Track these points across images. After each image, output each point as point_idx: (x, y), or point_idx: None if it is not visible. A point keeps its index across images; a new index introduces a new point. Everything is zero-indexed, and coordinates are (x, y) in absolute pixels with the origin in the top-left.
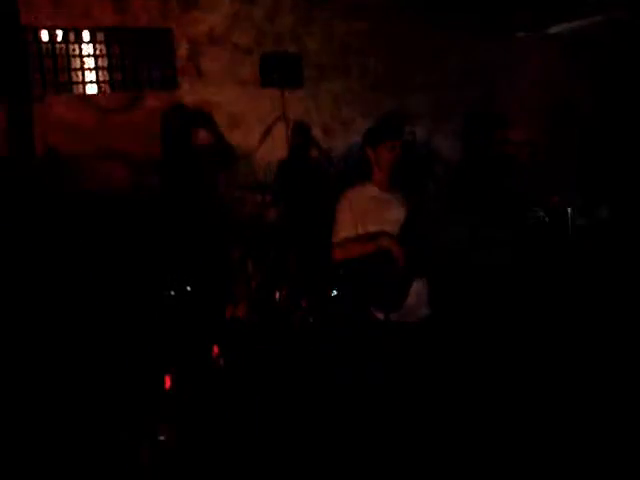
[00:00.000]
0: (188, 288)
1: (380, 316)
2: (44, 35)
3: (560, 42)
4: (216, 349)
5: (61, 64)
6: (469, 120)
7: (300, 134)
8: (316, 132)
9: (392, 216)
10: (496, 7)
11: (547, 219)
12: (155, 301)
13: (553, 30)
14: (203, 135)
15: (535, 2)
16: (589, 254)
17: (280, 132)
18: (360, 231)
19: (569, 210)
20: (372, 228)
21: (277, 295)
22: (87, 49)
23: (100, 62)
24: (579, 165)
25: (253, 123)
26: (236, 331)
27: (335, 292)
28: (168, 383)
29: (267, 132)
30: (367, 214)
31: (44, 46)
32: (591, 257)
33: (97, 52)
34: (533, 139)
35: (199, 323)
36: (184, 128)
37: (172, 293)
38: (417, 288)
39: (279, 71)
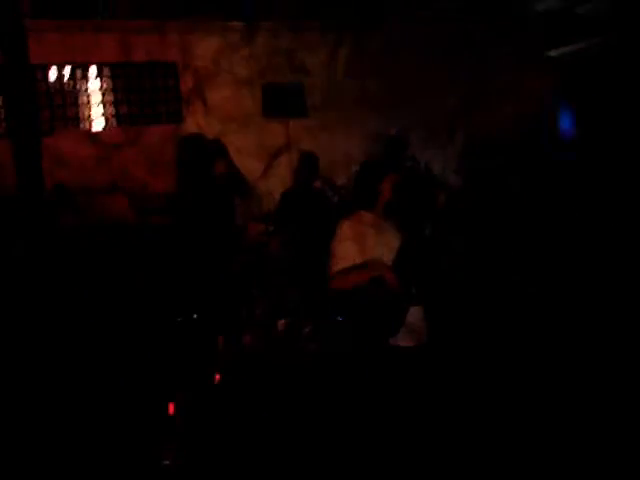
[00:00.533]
0: (195, 316)
1: (378, 341)
2: (53, 72)
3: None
4: (218, 376)
5: (69, 100)
6: (472, 147)
7: (306, 163)
8: (320, 161)
9: (389, 243)
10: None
11: None
12: (162, 328)
13: (553, 53)
14: (220, 165)
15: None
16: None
17: (284, 161)
18: (357, 260)
19: None
20: (368, 255)
21: (281, 323)
22: (94, 84)
23: (106, 97)
24: None
25: (258, 152)
26: (241, 358)
27: (339, 319)
28: (172, 409)
29: (271, 162)
30: (364, 242)
31: (53, 83)
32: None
33: (103, 87)
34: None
35: (205, 350)
36: (202, 157)
37: (179, 320)
38: (414, 314)
39: (281, 101)
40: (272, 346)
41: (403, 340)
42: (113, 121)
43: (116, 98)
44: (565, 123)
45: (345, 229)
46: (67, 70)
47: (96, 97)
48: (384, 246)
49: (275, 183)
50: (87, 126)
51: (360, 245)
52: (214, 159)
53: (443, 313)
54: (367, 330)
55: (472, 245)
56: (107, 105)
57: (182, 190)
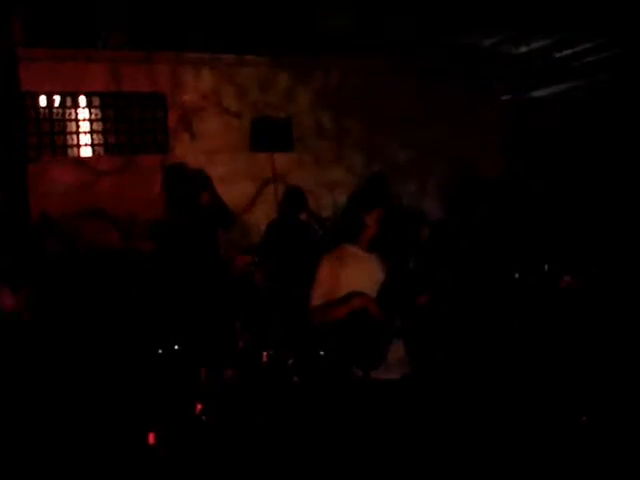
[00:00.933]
0: (176, 347)
1: (359, 373)
2: (42, 100)
3: (543, 105)
4: (199, 406)
5: (57, 128)
6: (456, 182)
7: (292, 198)
8: (305, 194)
9: (372, 276)
10: (482, 74)
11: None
12: (143, 358)
13: (537, 94)
14: (204, 195)
15: (520, 68)
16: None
17: (270, 193)
18: (337, 294)
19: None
20: (349, 288)
21: (264, 355)
22: (83, 113)
23: (95, 126)
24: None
25: (244, 185)
26: (223, 390)
27: (321, 352)
28: (152, 439)
29: (257, 194)
30: (347, 276)
31: (42, 110)
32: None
33: (92, 116)
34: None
35: (185, 381)
36: (187, 186)
37: (160, 351)
38: (396, 347)
39: (269, 135)
40: (255, 378)
41: (385, 373)
42: (101, 150)
43: (105, 127)
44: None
45: (326, 264)
46: (57, 98)
47: (85, 126)
48: (368, 279)
49: (261, 215)
50: (75, 154)
51: (340, 279)
52: (199, 189)
53: (427, 345)
54: (349, 363)
55: (457, 277)
56: (95, 134)
57: (168, 218)
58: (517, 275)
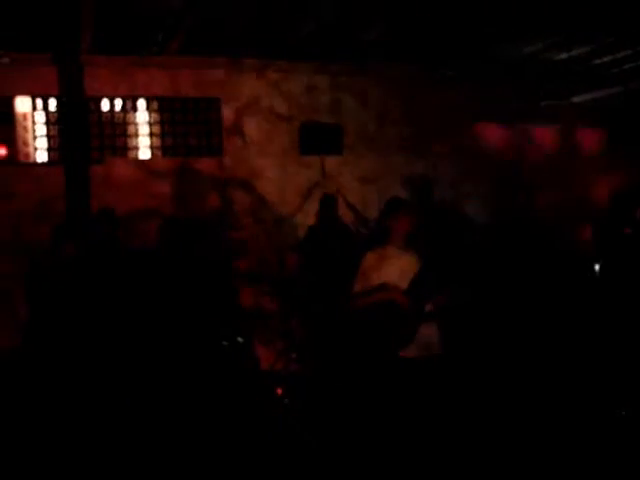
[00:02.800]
0: (240, 339)
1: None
2: (104, 104)
3: (582, 110)
4: (280, 390)
5: (118, 130)
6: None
7: (325, 205)
8: (353, 197)
9: (405, 270)
10: (525, 80)
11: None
12: (211, 350)
13: (576, 99)
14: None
15: (561, 75)
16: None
17: (319, 195)
18: (376, 282)
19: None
20: (386, 280)
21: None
22: (142, 117)
23: (153, 129)
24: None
25: (294, 187)
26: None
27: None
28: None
29: (307, 196)
30: (382, 270)
31: (104, 114)
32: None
33: (151, 120)
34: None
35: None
36: None
37: (225, 343)
38: (427, 330)
39: (318, 140)
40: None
41: (415, 352)
42: (158, 152)
43: (162, 130)
44: None
45: (368, 258)
46: (118, 102)
47: (144, 129)
48: (400, 274)
49: (310, 216)
50: (134, 156)
51: (379, 272)
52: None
53: (457, 329)
54: (380, 342)
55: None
56: (154, 136)
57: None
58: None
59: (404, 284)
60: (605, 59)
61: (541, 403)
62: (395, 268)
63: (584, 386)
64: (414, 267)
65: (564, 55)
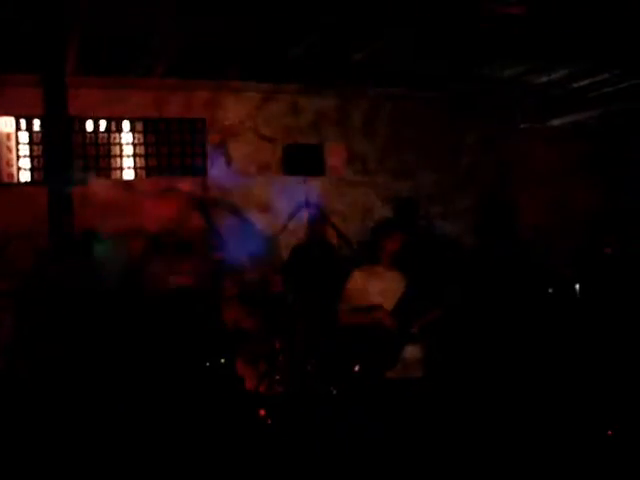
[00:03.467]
0: (222, 360)
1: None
2: (89, 125)
3: (562, 132)
4: (263, 411)
5: (102, 151)
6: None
7: (318, 220)
8: (336, 217)
9: (392, 291)
10: (506, 102)
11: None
12: (194, 370)
13: (556, 122)
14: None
15: (539, 97)
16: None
17: (303, 217)
18: (361, 303)
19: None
20: (371, 300)
21: (307, 368)
22: (126, 138)
23: (137, 150)
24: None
25: (278, 208)
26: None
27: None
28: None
29: (290, 216)
30: (369, 290)
31: (88, 135)
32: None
33: (135, 140)
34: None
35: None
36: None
37: (207, 364)
38: (412, 351)
39: (302, 161)
40: (295, 389)
41: (401, 373)
42: (142, 173)
43: (146, 151)
44: None
45: (355, 277)
46: (102, 123)
47: (128, 149)
48: (387, 294)
49: (294, 237)
50: (118, 176)
51: (366, 291)
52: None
53: (441, 350)
54: (365, 363)
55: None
56: (138, 157)
57: None
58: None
59: (391, 304)
60: (584, 82)
61: (526, 426)
62: (382, 288)
63: (569, 407)
64: (401, 287)
65: (544, 78)
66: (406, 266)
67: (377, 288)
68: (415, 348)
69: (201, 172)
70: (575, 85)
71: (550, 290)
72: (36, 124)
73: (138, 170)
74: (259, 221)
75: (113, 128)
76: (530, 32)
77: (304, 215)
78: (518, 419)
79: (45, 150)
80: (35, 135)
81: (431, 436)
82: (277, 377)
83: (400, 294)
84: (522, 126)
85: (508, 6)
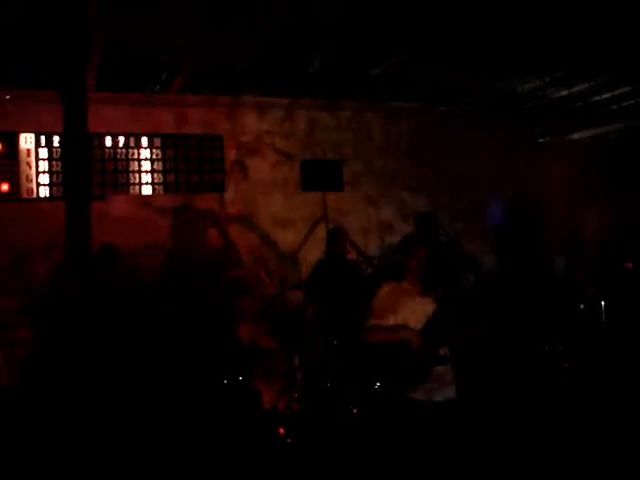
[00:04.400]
0: (240, 378)
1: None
2: (108, 141)
3: (581, 147)
4: (282, 430)
5: (121, 167)
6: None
7: (334, 238)
8: (355, 233)
9: (420, 310)
10: (524, 116)
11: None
12: (212, 389)
13: (575, 136)
14: None
15: (560, 112)
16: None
17: (322, 233)
18: (389, 320)
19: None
20: (399, 318)
21: (326, 386)
22: (145, 153)
23: (156, 165)
24: None
25: (296, 224)
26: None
27: (377, 385)
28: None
29: (309, 233)
30: (399, 305)
31: (107, 150)
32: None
33: (153, 156)
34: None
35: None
36: None
37: (225, 382)
38: (441, 373)
39: (320, 176)
40: (314, 408)
41: (427, 395)
42: (160, 189)
43: (165, 167)
44: None
45: (385, 290)
46: (121, 139)
47: (146, 165)
48: (415, 313)
49: (313, 253)
50: (136, 191)
51: (394, 308)
52: None
53: (472, 373)
54: (390, 381)
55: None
56: (156, 173)
57: None
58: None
59: (418, 323)
60: (604, 96)
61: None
62: (410, 305)
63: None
64: (429, 305)
65: (564, 92)
66: (433, 283)
67: (405, 306)
68: (445, 369)
69: (219, 188)
70: (595, 99)
71: (582, 306)
72: (56, 140)
73: (156, 186)
74: (277, 238)
75: (132, 144)
76: (548, 44)
77: (323, 231)
78: (545, 442)
79: (64, 166)
80: (55, 151)
81: (453, 459)
82: (295, 395)
83: (428, 312)
84: (541, 140)
85: None
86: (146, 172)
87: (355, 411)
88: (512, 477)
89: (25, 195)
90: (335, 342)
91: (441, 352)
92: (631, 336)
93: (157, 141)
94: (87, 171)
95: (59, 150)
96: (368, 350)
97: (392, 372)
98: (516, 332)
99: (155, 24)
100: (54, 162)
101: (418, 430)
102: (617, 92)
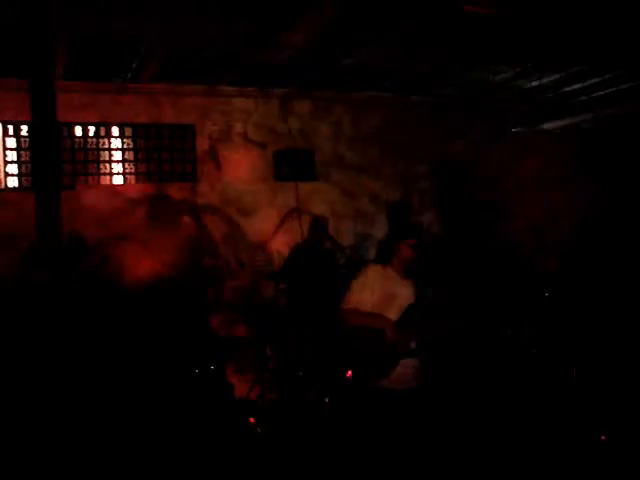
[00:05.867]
0: (212, 367)
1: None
2: (77, 130)
3: (553, 136)
4: (253, 419)
5: (91, 156)
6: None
7: (317, 227)
8: (328, 222)
9: (399, 302)
10: (496, 106)
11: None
12: (183, 378)
13: (547, 126)
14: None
15: (530, 102)
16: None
17: (295, 223)
18: (367, 303)
19: None
20: (377, 303)
21: (298, 375)
22: (116, 143)
23: (127, 155)
24: None
25: (268, 214)
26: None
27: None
28: None
29: (282, 222)
30: (380, 287)
31: (77, 140)
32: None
33: (125, 146)
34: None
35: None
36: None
37: (197, 371)
38: (407, 363)
39: (292, 166)
40: (286, 398)
41: (394, 384)
42: (132, 178)
43: (136, 156)
44: None
45: (368, 273)
46: (91, 128)
47: (117, 155)
48: (394, 299)
49: (285, 243)
50: (107, 182)
51: (374, 292)
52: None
53: (437, 361)
54: (363, 372)
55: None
56: (127, 163)
57: None
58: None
59: (395, 312)
60: (574, 87)
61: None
62: (393, 290)
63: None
64: (409, 295)
65: (535, 83)
66: (416, 274)
67: (388, 289)
68: (411, 363)
69: (191, 178)
70: (566, 89)
71: (546, 293)
72: (24, 129)
73: (127, 175)
74: (249, 228)
75: (102, 133)
76: (519, 35)
77: (296, 221)
78: (509, 430)
79: (33, 156)
80: (23, 141)
81: (421, 444)
82: (268, 384)
83: (407, 302)
84: (513, 130)
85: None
86: (117, 162)
87: (327, 400)
88: (470, 461)
89: None
90: (308, 331)
91: (412, 345)
92: (595, 323)
93: (128, 130)
94: (56, 161)
95: (27, 140)
96: (343, 336)
97: (364, 361)
98: (482, 319)
99: (124, 9)
100: (23, 152)
101: (384, 418)
102: (587, 83)
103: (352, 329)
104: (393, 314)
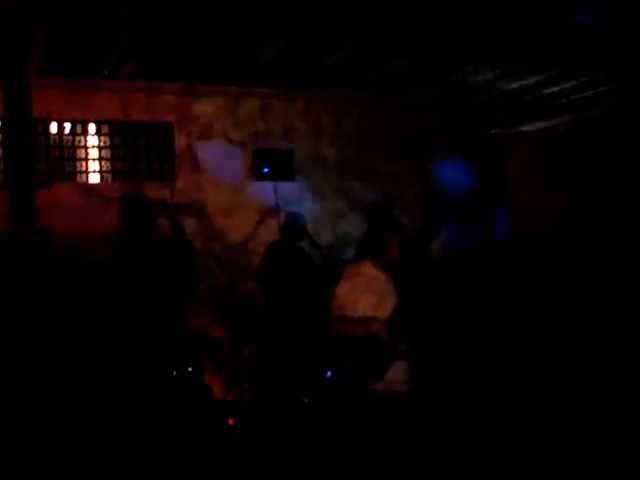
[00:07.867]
0: (189, 369)
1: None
2: (53, 127)
3: (531, 139)
4: (232, 421)
5: (67, 154)
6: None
7: (292, 222)
8: (306, 221)
9: (387, 298)
10: (476, 107)
11: None
12: (160, 380)
13: (525, 128)
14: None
15: (510, 104)
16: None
17: (272, 221)
18: (353, 307)
19: None
20: (363, 305)
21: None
22: (92, 141)
23: (103, 153)
24: None
25: (247, 213)
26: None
27: (329, 374)
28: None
29: (260, 222)
30: (365, 290)
31: (52, 137)
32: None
33: (101, 144)
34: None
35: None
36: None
37: (175, 373)
38: (399, 366)
39: (271, 165)
40: (264, 399)
41: (386, 387)
42: (108, 176)
43: (112, 154)
44: None
45: (345, 279)
46: (67, 125)
47: (93, 153)
48: (381, 304)
49: (263, 242)
50: (83, 180)
51: (361, 289)
52: (155, 219)
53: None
54: (356, 375)
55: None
56: (103, 161)
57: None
58: None
59: (384, 312)
60: (553, 89)
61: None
62: (376, 293)
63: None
64: (393, 300)
65: (514, 85)
66: (400, 273)
67: (373, 289)
68: (401, 366)
69: (169, 177)
70: (545, 92)
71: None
72: None
73: (104, 174)
74: (227, 227)
75: (78, 131)
76: (498, 37)
77: (274, 221)
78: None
79: (6, 153)
80: None
81: (404, 445)
82: (246, 385)
83: (394, 301)
84: (493, 132)
85: None
86: (93, 160)
87: (305, 401)
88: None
89: None
90: (287, 331)
91: (402, 347)
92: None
93: (105, 128)
94: (31, 158)
95: (1, 136)
96: (337, 340)
97: (361, 364)
98: (470, 319)
99: (101, 6)
100: None
101: (366, 419)
102: (566, 85)
103: (347, 335)
104: (381, 314)
